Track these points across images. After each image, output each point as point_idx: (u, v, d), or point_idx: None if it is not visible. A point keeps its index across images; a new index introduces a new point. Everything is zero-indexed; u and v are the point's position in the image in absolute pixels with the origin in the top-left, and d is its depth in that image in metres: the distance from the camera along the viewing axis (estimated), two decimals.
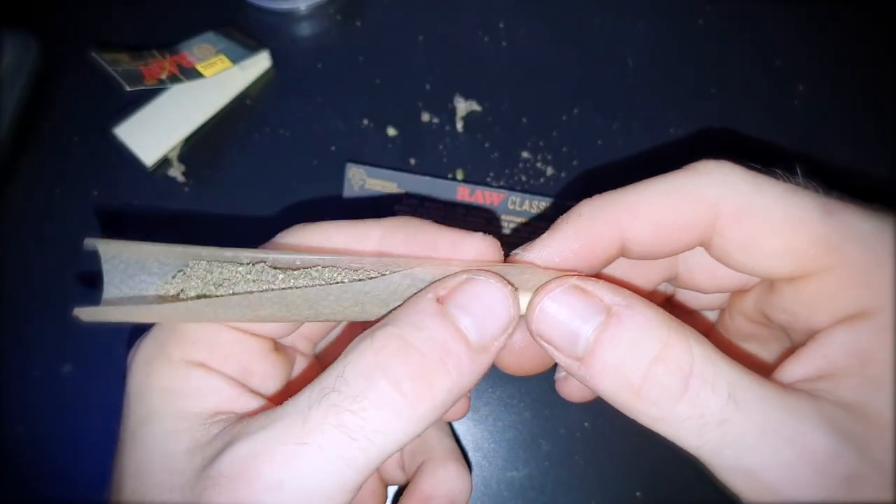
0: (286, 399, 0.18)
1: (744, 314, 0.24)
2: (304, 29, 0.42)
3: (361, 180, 0.37)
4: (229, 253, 0.20)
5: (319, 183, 0.38)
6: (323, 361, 0.27)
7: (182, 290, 0.20)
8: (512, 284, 0.20)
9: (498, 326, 0.19)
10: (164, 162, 0.38)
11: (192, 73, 0.37)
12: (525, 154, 0.39)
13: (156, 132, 0.38)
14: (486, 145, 0.39)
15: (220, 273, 0.20)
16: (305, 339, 0.26)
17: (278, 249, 0.21)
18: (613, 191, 0.22)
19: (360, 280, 0.20)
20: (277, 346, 0.23)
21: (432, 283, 0.20)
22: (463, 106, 0.40)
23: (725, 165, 0.20)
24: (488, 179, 0.39)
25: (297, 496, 0.17)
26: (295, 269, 0.20)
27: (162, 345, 0.21)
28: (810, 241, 0.19)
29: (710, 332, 0.27)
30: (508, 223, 0.37)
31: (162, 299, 0.20)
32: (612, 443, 0.35)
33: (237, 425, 0.19)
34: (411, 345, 0.18)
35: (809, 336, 0.20)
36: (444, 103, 0.40)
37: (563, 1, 0.43)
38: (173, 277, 0.20)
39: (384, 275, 0.20)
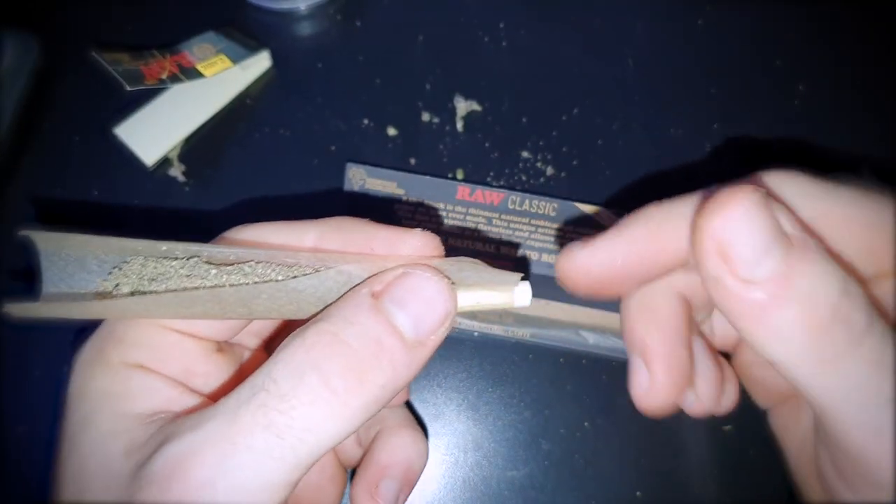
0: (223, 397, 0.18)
1: None
2: (305, 29, 0.42)
3: (362, 180, 0.37)
4: (164, 247, 0.20)
5: (320, 182, 0.38)
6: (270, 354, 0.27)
7: (116, 286, 0.20)
8: (450, 279, 0.20)
9: (434, 321, 0.19)
10: (165, 161, 0.38)
11: (192, 73, 0.37)
12: (525, 154, 0.39)
13: (156, 132, 0.38)
14: (486, 145, 0.39)
15: (155, 268, 0.20)
16: (254, 335, 0.25)
17: (213, 244, 0.21)
18: (682, 197, 0.21)
19: (294, 277, 0.20)
20: (222, 347, 0.23)
21: (368, 279, 0.20)
22: (463, 106, 0.40)
23: (794, 174, 0.20)
24: (488, 179, 0.39)
25: (229, 495, 0.17)
26: (229, 265, 0.20)
27: (101, 347, 0.21)
28: (889, 242, 0.19)
29: None
30: (508, 223, 0.37)
31: (99, 296, 0.20)
32: (612, 442, 0.35)
33: (171, 424, 0.19)
34: (343, 341, 0.18)
35: None
36: (444, 103, 0.40)
37: (563, 1, 0.43)
38: (110, 274, 0.20)
39: (319, 271, 0.20)
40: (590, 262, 0.21)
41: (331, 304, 0.20)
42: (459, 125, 0.40)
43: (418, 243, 0.21)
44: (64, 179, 0.38)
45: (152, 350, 0.21)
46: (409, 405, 0.36)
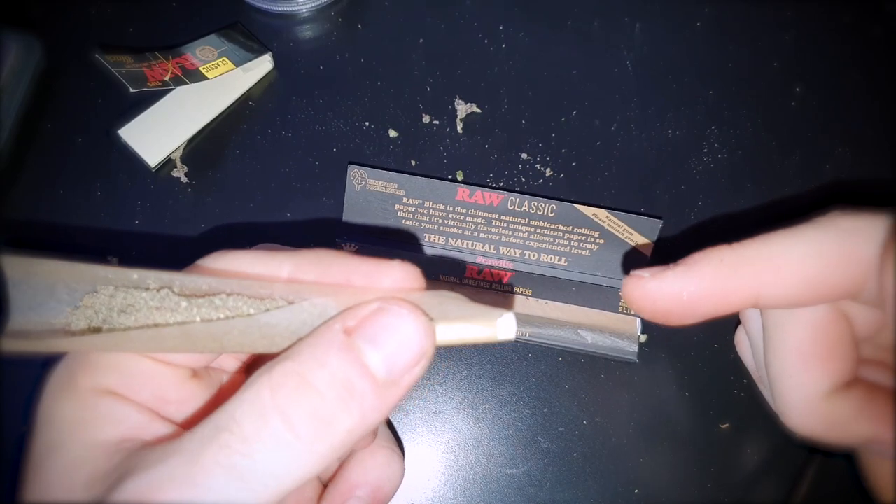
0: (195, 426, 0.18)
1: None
2: (306, 31, 0.42)
3: (363, 181, 0.37)
4: (136, 276, 0.20)
5: (321, 184, 0.39)
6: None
7: (87, 318, 0.19)
8: (429, 314, 0.19)
9: (409, 360, 0.18)
10: (168, 163, 0.39)
11: (195, 76, 0.38)
12: (524, 155, 0.40)
13: (159, 133, 0.38)
14: (486, 147, 0.40)
15: (125, 299, 0.20)
16: (234, 359, 0.25)
17: (185, 273, 0.20)
18: (756, 240, 0.21)
19: (266, 311, 0.19)
20: (198, 373, 0.23)
21: (341, 313, 0.19)
22: (463, 108, 0.40)
23: (864, 218, 0.20)
24: (488, 180, 0.39)
25: None
26: (200, 297, 0.19)
27: (72, 372, 0.20)
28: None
29: None
30: (508, 224, 0.37)
31: (66, 333, 0.19)
32: (610, 440, 0.36)
33: (135, 456, 0.18)
34: (310, 384, 0.17)
35: None
36: (444, 105, 0.40)
37: (562, 4, 0.43)
38: (79, 304, 0.20)
39: (292, 304, 0.19)
40: (656, 293, 0.21)
41: (302, 338, 0.19)
42: (459, 127, 0.40)
43: (398, 276, 0.20)
44: (67, 181, 0.38)
45: (124, 376, 0.20)
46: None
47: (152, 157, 0.38)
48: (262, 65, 0.40)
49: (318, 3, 0.41)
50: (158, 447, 0.18)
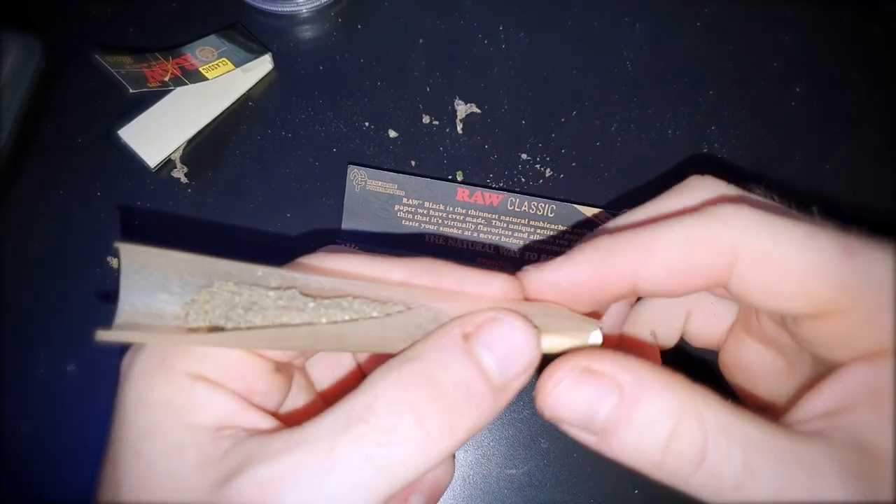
0: (296, 417, 0.18)
1: (771, 318, 0.25)
2: (306, 32, 0.42)
3: (363, 182, 0.37)
4: (260, 272, 0.20)
5: (321, 184, 0.39)
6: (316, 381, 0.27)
7: (206, 313, 0.20)
8: (535, 324, 0.20)
9: (520, 367, 0.20)
10: (168, 163, 0.39)
11: (194, 76, 0.38)
12: (524, 156, 0.40)
13: (159, 134, 0.38)
14: (486, 147, 0.40)
15: (249, 296, 0.20)
16: (303, 355, 0.25)
17: (308, 273, 0.21)
18: (631, 229, 0.22)
19: (388, 315, 0.20)
20: (279, 367, 0.23)
21: (457, 319, 0.20)
22: (463, 108, 0.40)
23: (743, 208, 0.21)
24: (488, 181, 0.39)
25: None
26: (325, 298, 0.20)
27: (163, 356, 0.20)
28: (829, 285, 0.19)
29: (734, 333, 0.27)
30: (508, 224, 0.37)
31: (180, 321, 0.20)
32: None
33: (251, 443, 0.19)
34: (438, 383, 0.18)
35: (827, 368, 0.20)
36: (444, 106, 0.40)
37: (562, 4, 0.43)
38: (194, 298, 0.20)
39: (411, 309, 0.20)
40: (540, 284, 0.22)
41: (420, 340, 0.20)
42: (459, 127, 0.40)
43: (504, 287, 0.22)
44: (67, 181, 0.38)
45: (217, 364, 0.20)
46: None
47: (152, 158, 0.38)
48: (262, 65, 0.40)
49: (318, 3, 0.41)
50: (278, 436, 0.18)
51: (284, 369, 0.23)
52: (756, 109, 0.41)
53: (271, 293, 0.20)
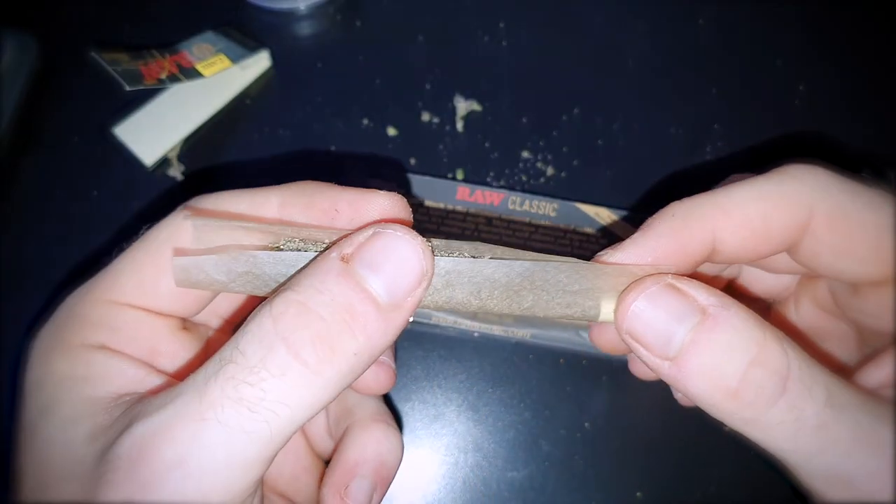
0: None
1: (815, 301, 0.24)
2: (304, 29, 0.41)
3: (362, 181, 0.37)
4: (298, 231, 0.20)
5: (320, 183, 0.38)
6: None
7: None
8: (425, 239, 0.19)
9: (410, 282, 0.18)
10: (164, 161, 0.38)
11: (191, 73, 0.37)
12: (525, 154, 0.39)
13: (155, 132, 0.38)
14: (487, 145, 0.39)
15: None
16: (219, 317, 0.25)
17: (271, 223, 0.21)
18: (704, 193, 0.21)
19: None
20: (187, 325, 0.23)
21: (337, 241, 0.19)
22: (463, 106, 0.40)
23: (818, 170, 0.20)
24: (488, 179, 0.39)
25: (200, 474, 0.16)
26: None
27: (59, 331, 0.20)
28: None
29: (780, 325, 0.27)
30: (509, 223, 0.37)
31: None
32: (612, 443, 0.35)
33: (137, 405, 0.18)
34: (312, 310, 0.17)
35: (887, 340, 0.20)
36: (444, 103, 0.40)
37: (563, 1, 0.43)
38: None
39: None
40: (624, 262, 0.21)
41: (299, 270, 0.19)
42: (459, 125, 0.40)
43: (385, 203, 0.20)
44: (63, 179, 0.38)
45: (115, 330, 0.20)
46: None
47: (148, 156, 0.38)
48: (260, 62, 0.40)
49: (316, 0, 0.41)
50: (160, 394, 0.18)
51: (194, 329, 0.23)
52: (759, 107, 0.41)
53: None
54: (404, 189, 0.37)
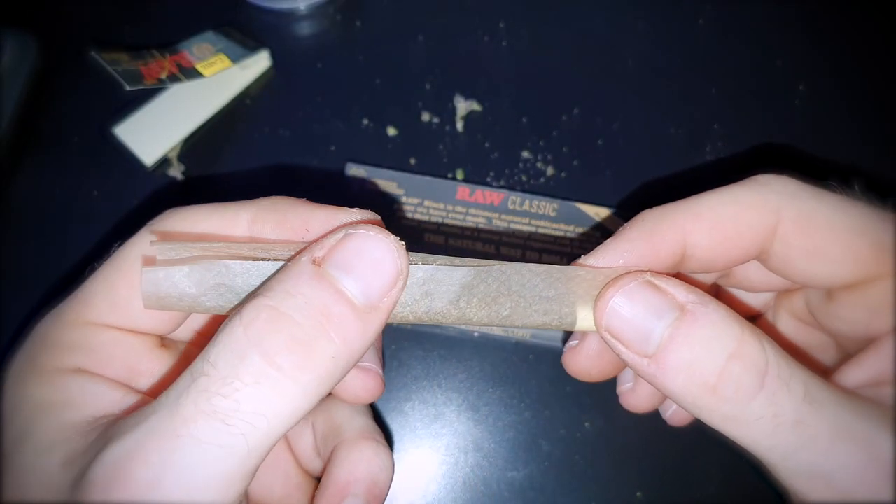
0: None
1: (792, 314, 0.24)
2: (304, 29, 0.41)
3: (362, 180, 0.37)
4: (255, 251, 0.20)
5: (320, 183, 0.38)
6: None
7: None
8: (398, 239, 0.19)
9: (385, 282, 0.18)
10: (164, 161, 0.38)
11: (191, 73, 0.37)
12: (525, 154, 0.39)
13: (155, 132, 0.38)
14: (486, 145, 0.39)
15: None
16: (193, 331, 0.24)
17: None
18: (676, 201, 0.22)
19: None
20: (165, 342, 0.22)
21: (309, 245, 0.18)
22: (463, 106, 0.40)
23: (785, 178, 0.21)
24: (488, 179, 0.39)
25: (177, 492, 0.15)
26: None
27: (33, 356, 0.19)
28: (871, 247, 0.19)
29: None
30: (509, 223, 0.37)
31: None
32: (612, 443, 0.35)
33: (111, 428, 0.17)
34: (284, 314, 0.16)
35: (865, 344, 0.20)
36: (444, 103, 0.40)
37: (563, 1, 0.43)
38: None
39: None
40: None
41: (269, 277, 0.18)
42: (459, 125, 0.40)
43: (356, 220, 0.20)
44: (63, 179, 0.38)
45: (91, 351, 0.20)
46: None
47: (148, 156, 0.38)
48: (260, 62, 0.40)
49: (316, 0, 0.41)
50: (134, 413, 0.17)
51: (174, 346, 0.22)
52: (759, 108, 0.41)
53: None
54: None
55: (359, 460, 0.24)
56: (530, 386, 0.36)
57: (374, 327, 0.18)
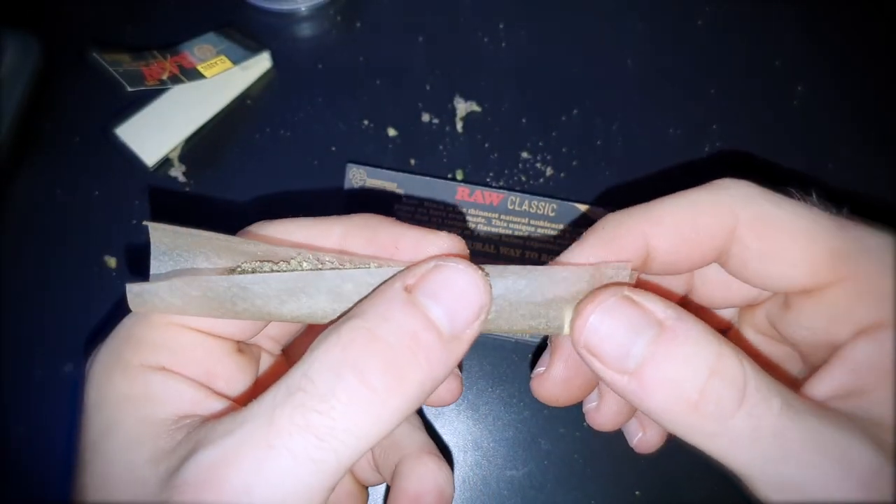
0: (252, 400, 0.18)
1: (756, 329, 0.25)
2: (305, 30, 0.42)
3: (362, 181, 0.37)
4: (283, 252, 0.20)
5: (320, 183, 0.38)
6: (290, 359, 0.27)
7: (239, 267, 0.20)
8: (483, 275, 0.19)
9: (470, 313, 0.19)
10: (166, 162, 0.38)
11: (192, 74, 0.37)
12: (525, 154, 0.39)
13: (157, 132, 0.38)
14: (486, 146, 0.40)
15: (272, 268, 0.21)
16: (271, 339, 0.25)
17: (328, 252, 0.21)
18: (636, 205, 0.22)
19: (379, 266, 0.20)
20: (241, 347, 0.23)
21: (399, 273, 0.19)
22: (463, 106, 0.40)
23: (744, 183, 0.21)
24: (488, 180, 0.39)
25: (267, 500, 0.16)
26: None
27: (119, 351, 0.20)
28: (828, 251, 0.20)
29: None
30: (508, 223, 0.37)
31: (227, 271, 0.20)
32: (611, 442, 0.35)
33: (201, 430, 0.18)
34: (379, 337, 0.17)
35: (827, 352, 0.20)
36: (443, 104, 0.40)
37: (562, 2, 0.43)
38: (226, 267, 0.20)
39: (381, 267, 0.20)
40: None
41: (363, 299, 0.19)
42: (459, 126, 0.40)
43: (445, 245, 0.21)
44: (64, 180, 0.38)
45: (173, 351, 0.20)
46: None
47: (150, 157, 0.38)
48: (261, 63, 0.40)
49: (317, 1, 0.41)
50: (225, 419, 0.18)
51: (248, 351, 0.23)
52: (758, 108, 0.41)
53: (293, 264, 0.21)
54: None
55: (425, 474, 0.25)
56: (530, 385, 0.36)
57: (455, 356, 0.19)
